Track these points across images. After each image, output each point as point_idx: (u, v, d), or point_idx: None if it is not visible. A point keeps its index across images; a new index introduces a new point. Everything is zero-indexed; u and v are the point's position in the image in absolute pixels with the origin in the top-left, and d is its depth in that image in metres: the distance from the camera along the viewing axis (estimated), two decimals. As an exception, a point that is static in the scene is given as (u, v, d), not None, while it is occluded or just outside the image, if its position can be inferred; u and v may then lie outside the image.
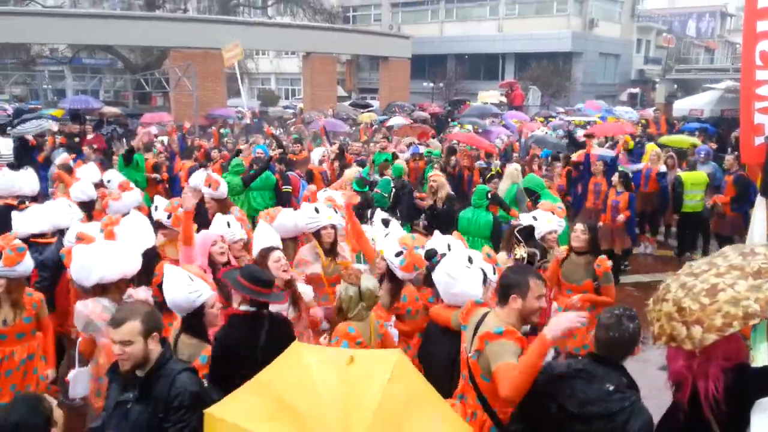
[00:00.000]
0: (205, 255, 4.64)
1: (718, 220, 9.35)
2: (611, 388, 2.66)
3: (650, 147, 12.15)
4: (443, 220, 7.47)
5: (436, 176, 8.36)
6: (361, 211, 6.81)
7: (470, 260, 3.91)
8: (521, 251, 4.46)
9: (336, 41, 30.85)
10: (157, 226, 5.49)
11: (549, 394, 2.80)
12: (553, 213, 5.62)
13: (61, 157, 9.23)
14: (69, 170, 7.98)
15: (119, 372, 2.90)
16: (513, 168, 8.69)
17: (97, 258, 4.04)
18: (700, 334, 2.64)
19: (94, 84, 29.63)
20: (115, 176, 7.27)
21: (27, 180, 6.87)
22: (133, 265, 4.27)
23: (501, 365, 2.83)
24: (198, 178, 6.80)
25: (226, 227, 5.17)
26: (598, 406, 2.64)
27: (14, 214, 5.36)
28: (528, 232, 4.96)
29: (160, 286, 4.16)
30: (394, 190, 8.64)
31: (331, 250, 5.27)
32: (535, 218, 5.55)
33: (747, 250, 2.90)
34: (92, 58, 36.72)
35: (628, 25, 41.93)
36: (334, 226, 5.25)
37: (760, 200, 8.11)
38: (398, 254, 4.33)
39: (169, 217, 5.43)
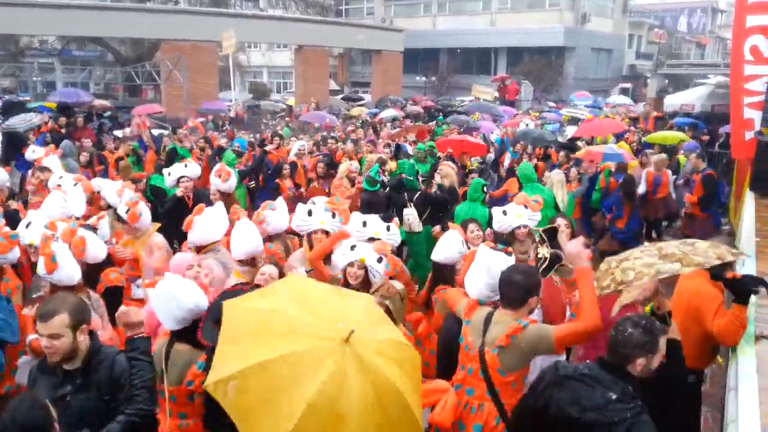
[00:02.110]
0: None
1: (687, 221, 9.10)
2: (614, 396, 2.61)
3: (620, 146, 12.06)
4: (433, 205, 7.26)
5: (444, 165, 8.22)
6: (376, 209, 6.46)
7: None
8: (544, 251, 4.37)
9: (328, 34, 30.73)
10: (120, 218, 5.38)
11: (551, 396, 2.77)
12: (526, 207, 5.35)
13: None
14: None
15: (49, 367, 2.89)
16: (558, 177, 8.39)
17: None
18: (600, 290, 3.32)
19: (84, 76, 29.31)
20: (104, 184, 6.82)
21: None
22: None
23: (555, 330, 3.09)
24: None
25: None
26: (598, 413, 2.59)
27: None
28: (553, 233, 4.63)
29: (104, 293, 4.11)
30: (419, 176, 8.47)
31: None
32: (504, 213, 5.34)
33: (689, 242, 3.45)
34: (82, 50, 36.41)
35: (620, 20, 42.03)
36: (326, 232, 4.93)
37: (749, 195, 8.17)
38: (380, 260, 4.33)
39: (127, 211, 5.19)
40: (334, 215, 5.02)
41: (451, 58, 39.60)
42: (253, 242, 4.66)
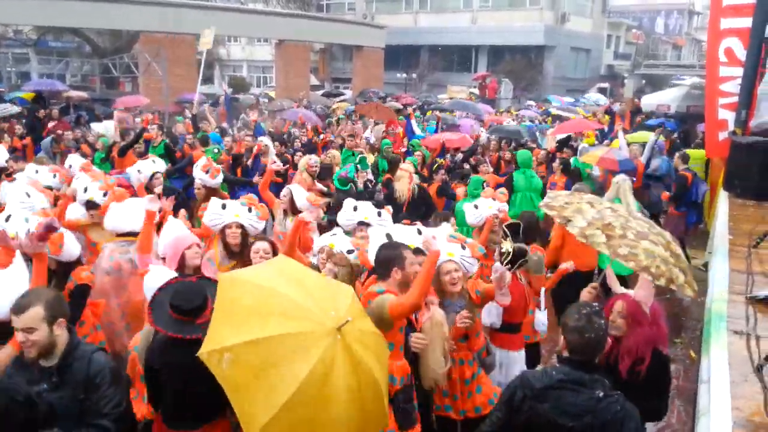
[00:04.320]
0: (175, 260, 4.02)
1: (664, 217, 9.29)
2: (601, 394, 2.58)
3: (616, 144, 12.15)
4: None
5: (401, 168, 7.91)
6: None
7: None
8: (508, 245, 4.43)
9: (309, 29, 30.55)
10: (88, 206, 5.25)
11: (531, 409, 2.69)
12: (494, 199, 5.73)
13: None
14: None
15: (25, 363, 2.82)
16: (626, 183, 6.68)
17: None
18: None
19: (60, 68, 28.72)
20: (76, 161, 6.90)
21: None
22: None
23: (391, 300, 3.31)
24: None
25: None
26: (593, 417, 2.55)
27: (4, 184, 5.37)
28: (516, 228, 4.71)
29: (71, 292, 3.97)
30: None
31: (237, 253, 4.55)
32: (476, 207, 5.58)
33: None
34: (58, 41, 35.67)
35: (599, 21, 42.51)
36: (241, 226, 4.60)
37: (723, 194, 8.34)
38: (350, 252, 4.37)
39: (105, 195, 5.09)
40: (250, 210, 4.74)
41: (432, 55, 39.70)
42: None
